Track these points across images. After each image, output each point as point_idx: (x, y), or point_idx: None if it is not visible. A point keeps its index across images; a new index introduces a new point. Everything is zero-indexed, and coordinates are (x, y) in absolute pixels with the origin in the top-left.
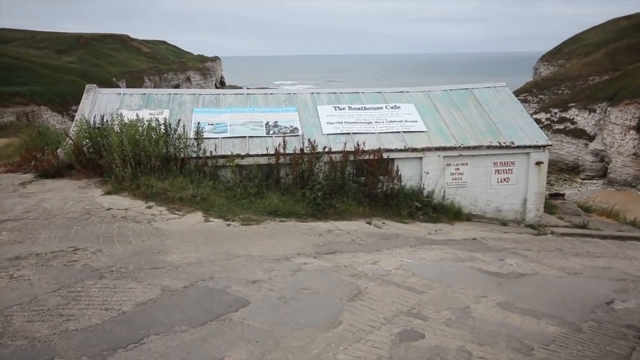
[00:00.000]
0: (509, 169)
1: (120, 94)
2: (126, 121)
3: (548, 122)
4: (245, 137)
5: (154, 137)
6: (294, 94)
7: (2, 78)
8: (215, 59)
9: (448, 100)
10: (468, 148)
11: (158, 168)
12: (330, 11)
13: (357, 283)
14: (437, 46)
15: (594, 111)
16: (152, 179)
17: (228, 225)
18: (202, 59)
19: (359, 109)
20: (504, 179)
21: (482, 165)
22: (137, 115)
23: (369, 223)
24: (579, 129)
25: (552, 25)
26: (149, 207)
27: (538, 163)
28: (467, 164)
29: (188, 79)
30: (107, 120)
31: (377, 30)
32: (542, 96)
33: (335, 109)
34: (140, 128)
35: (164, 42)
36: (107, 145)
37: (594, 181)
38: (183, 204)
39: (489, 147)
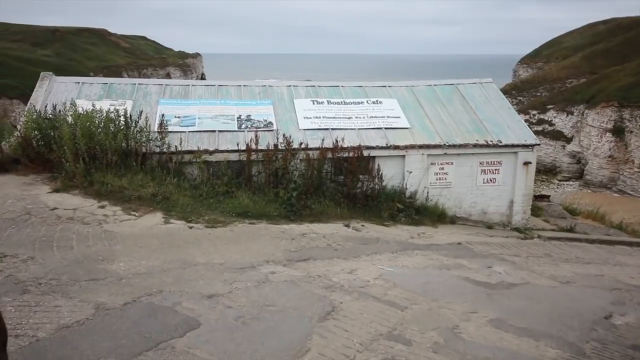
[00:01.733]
0: (495, 169)
1: (78, 82)
2: (81, 112)
3: (527, 124)
4: (214, 131)
5: (112, 129)
6: (269, 86)
7: None
8: (196, 55)
9: (432, 95)
10: (453, 146)
11: (115, 164)
12: (313, 11)
13: (331, 297)
14: (418, 47)
15: (572, 113)
16: (108, 176)
17: (190, 227)
18: (182, 55)
19: (338, 103)
20: (490, 180)
21: (468, 164)
22: (94, 106)
23: (347, 225)
24: (557, 131)
25: (530, 28)
26: (102, 207)
27: (526, 163)
28: (452, 163)
29: (168, 75)
30: (59, 111)
31: (358, 31)
32: (521, 98)
33: (314, 103)
34: (96, 119)
35: (144, 38)
36: (58, 137)
37: (571, 182)
38: (141, 204)
39: (475, 145)
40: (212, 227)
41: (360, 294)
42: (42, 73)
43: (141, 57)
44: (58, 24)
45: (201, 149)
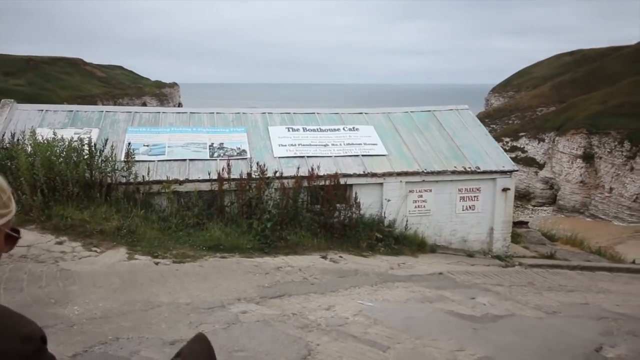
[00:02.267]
0: (474, 196)
1: (42, 110)
2: (42, 140)
3: None
4: (185, 159)
5: (74, 159)
6: (243, 113)
7: None
8: (173, 84)
9: (410, 122)
10: (432, 173)
11: (77, 195)
12: (289, 42)
13: (307, 338)
14: (394, 77)
15: (543, 140)
16: (69, 209)
17: (156, 263)
18: (159, 84)
19: (314, 130)
20: (470, 207)
21: (447, 191)
22: (55, 134)
23: (325, 257)
24: (530, 158)
25: (501, 59)
26: (59, 243)
27: (505, 189)
28: (430, 190)
29: (144, 104)
30: (17, 140)
31: (334, 61)
32: (493, 126)
33: (289, 130)
34: (57, 149)
35: (120, 67)
36: (15, 169)
37: (545, 208)
38: (104, 239)
39: (453, 172)
40: (180, 263)
41: (339, 333)
42: (2, 100)
43: (117, 87)
44: (33, 53)
45: (170, 179)
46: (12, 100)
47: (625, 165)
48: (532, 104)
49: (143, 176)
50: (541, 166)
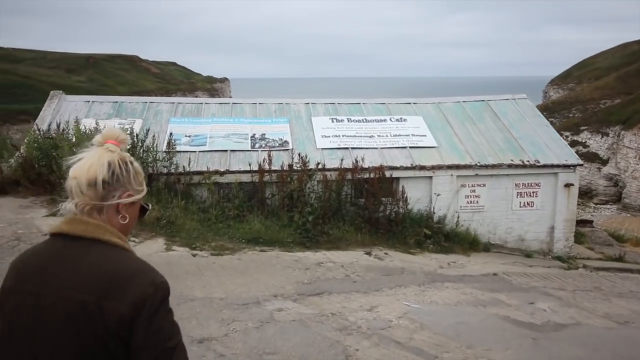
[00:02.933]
0: (533, 192)
1: (88, 101)
2: (86, 130)
3: None
4: (226, 150)
5: None
6: (286, 104)
7: (10, 96)
8: (224, 80)
9: (461, 112)
10: (485, 167)
11: None
12: (338, 36)
13: (346, 342)
14: (444, 70)
15: (607, 135)
16: None
17: (194, 255)
18: (211, 80)
19: (359, 121)
20: (528, 203)
21: (502, 186)
22: (97, 124)
23: (369, 253)
24: (592, 153)
25: (558, 50)
26: None
27: (567, 185)
28: (484, 185)
29: None
30: (63, 130)
31: (383, 54)
32: (552, 119)
33: (333, 121)
34: None
35: (174, 63)
36: (59, 158)
37: (608, 206)
38: (143, 229)
39: (509, 165)
40: (218, 255)
41: (381, 338)
42: (51, 92)
43: (171, 82)
44: (92, 51)
45: (211, 170)
46: (61, 91)
47: None
48: (595, 96)
49: (184, 167)
50: (604, 162)
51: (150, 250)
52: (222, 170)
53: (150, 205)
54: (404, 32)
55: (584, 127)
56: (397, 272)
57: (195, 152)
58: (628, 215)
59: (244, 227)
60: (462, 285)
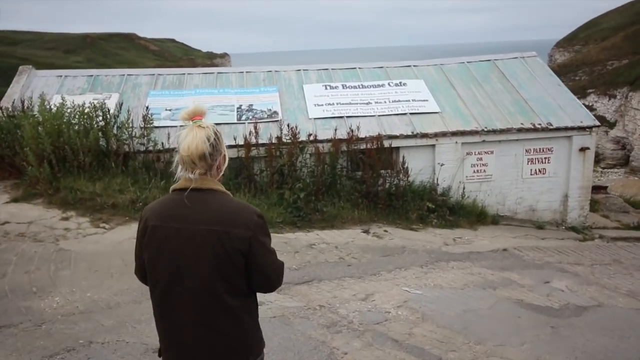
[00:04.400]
0: (545, 158)
1: (61, 76)
2: (52, 107)
3: None
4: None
5: (85, 125)
6: (276, 71)
7: (8, 78)
8: (224, 55)
9: (466, 74)
10: (493, 132)
11: (90, 166)
12: (341, 6)
13: (333, 343)
14: (449, 37)
15: (614, 97)
16: (80, 181)
17: None
18: (211, 56)
19: (355, 87)
20: (539, 170)
21: (512, 153)
22: (64, 100)
23: (367, 232)
24: (599, 116)
25: (564, 12)
26: (65, 219)
27: (583, 149)
28: (492, 152)
29: None
30: (27, 107)
31: (387, 23)
32: None
33: (326, 88)
34: (67, 115)
35: (173, 40)
36: (22, 138)
37: (615, 170)
38: (115, 213)
39: (519, 130)
40: None
41: (375, 335)
42: (20, 67)
43: (169, 59)
44: (89, 31)
45: None
46: (30, 66)
47: None
48: (602, 57)
49: (162, 143)
50: (612, 125)
51: (121, 237)
52: None
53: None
54: (407, 0)
55: (590, 90)
56: (397, 252)
57: (176, 126)
58: (636, 178)
59: None
60: (469, 264)
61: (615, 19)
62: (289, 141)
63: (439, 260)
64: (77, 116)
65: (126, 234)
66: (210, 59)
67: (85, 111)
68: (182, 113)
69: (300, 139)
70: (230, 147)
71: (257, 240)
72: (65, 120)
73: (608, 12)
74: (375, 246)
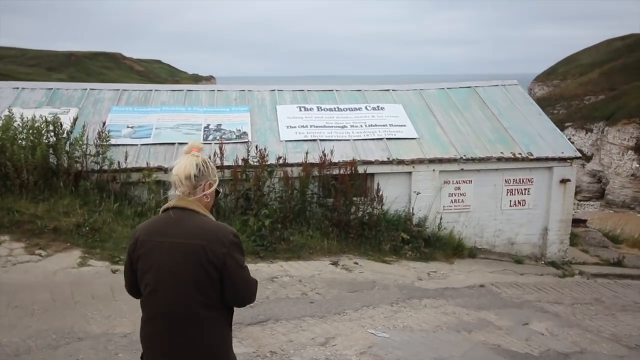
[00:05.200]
0: (525, 189)
1: (17, 88)
2: (18, 121)
3: None
4: (174, 143)
5: (32, 141)
6: (249, 91)
7: None
8: (210, 78)
9: (446, 100)
10: (472, 160)
11: (35, 185)
12: (328, 34)
13: None
14: (430, 68)
15: (591, 131)
16: (21, 201)
17: (114, 272)
18: (196, 78)
19: (330, 109)
20: (519, 202)
21: (491, 183)
22: (10, 111)
23: (335, 263)
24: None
25: (543, 47)
26: None
27: (563, 181)
28: (470, 181)
29: None
30: None
31: (374, 52)
32: None
33: (300, 110)
34: (11, 130)
35: (159, 61)
36: None
37: (592, 202)
38: (56, 238)
39: (499, 159)
40: None
41: None
42: None
43: (155, 80)
44: (75, 49)
45: (153, 166)
46: None
47: None
48: (579, 92)
49: (118, 162)
50: (588, 158)
51: (57, 266)
52: (166, 166)
53: (221, 190)
54: (394, 30)
55: (568, 124)
56: (367, 287)
57: (136, 145)
58: (611, 211)
59: None
60: (443, 302)
61: (592, 55)
62: (257, 164)
63: (411, 297)
64: (24, 131)
65: (64, 262)
66: (195, 81)
67: (35, 125)
68: (185, 148)
69: (268, 162)
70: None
71: (231, 257)
72: (10, 134)
73: (586, 49)
74: (343, 280)
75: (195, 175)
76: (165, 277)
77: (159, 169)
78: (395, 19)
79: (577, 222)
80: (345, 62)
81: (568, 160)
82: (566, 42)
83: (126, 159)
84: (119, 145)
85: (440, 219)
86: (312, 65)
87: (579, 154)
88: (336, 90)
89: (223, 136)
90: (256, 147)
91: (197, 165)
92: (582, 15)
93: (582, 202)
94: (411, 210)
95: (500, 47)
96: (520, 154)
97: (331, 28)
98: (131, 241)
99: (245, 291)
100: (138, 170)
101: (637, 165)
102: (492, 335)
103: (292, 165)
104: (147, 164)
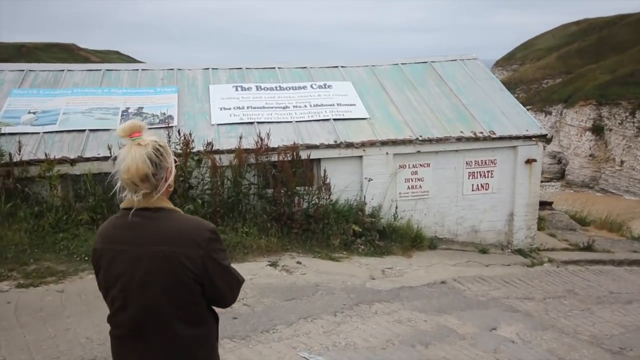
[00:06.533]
0: (488, 171)
1: None
2: None
3: None
4: (84, 130)
5: None
6: (179, 69)
7: None
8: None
9: (400, 76)
10: (429, 141)
11: None
12: (289, 22)
13: None
14: (392, 55)
15: (550, 113)
16: None
17: None
18: None
19: (271, 89)
20: (482, 186)
21: (451, 166)
22: None
23: (274, 264)
24: None
25: (505, 33)
26: None
27: (529, 161)
28: (428, 164)
29: None
30: None
31: (335, 41)
32: None
33: (237, 90)
34: None
35: (117, 52)
36: None
37: (552, 183)
38: None
39: (459, 139)
40: (28, 287)
41: None
42: None
43: None
44: (27, 40)
45: (56, 157)
46: None
47: (637, 137)
48: (538, 76)
49: (10, 154)
50: (548, 140)
51: None
52: (72, 157)
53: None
54: (355, 18)
55: (528, 107)
56: (308, 293)
57: (38, 133)
58: (571, 191)
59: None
60: (397, 306)
61: (548, 40)
62: (180, 151)
63: (360, 302)
64: None
65: None
66: None
67: None
68: (117, 130)
69: (194, 149)
70: (105, 159)
71: (210, 258)
72: None
73: (542, 34)
74: (279, 285)
75: (153, 174)
76: (135, 292)
77: (64, 160)
78: (356, 7)
79: (543, 204)
80: (309, 51)
81: (533, 139)
82: (524, 29)
83: (19, 151)
84: (12, 134)
85: (396, 207)
86: (276, 55)
87: (544, 132)
88: (278, 68)
89: (145, 120)
90: (179, 131)
91: (149, 158)
92: (538, 2)
93: (543, 183)
94: (363, 199)
95: (460, 35)
96: (481, 133)
97: (294, 17)
98: (92, 250)
99: (230, 294)
100: (39, 162)
101: (594, 145)
102: (454, 348)
103: (222, 152)
104: (46, 155)
